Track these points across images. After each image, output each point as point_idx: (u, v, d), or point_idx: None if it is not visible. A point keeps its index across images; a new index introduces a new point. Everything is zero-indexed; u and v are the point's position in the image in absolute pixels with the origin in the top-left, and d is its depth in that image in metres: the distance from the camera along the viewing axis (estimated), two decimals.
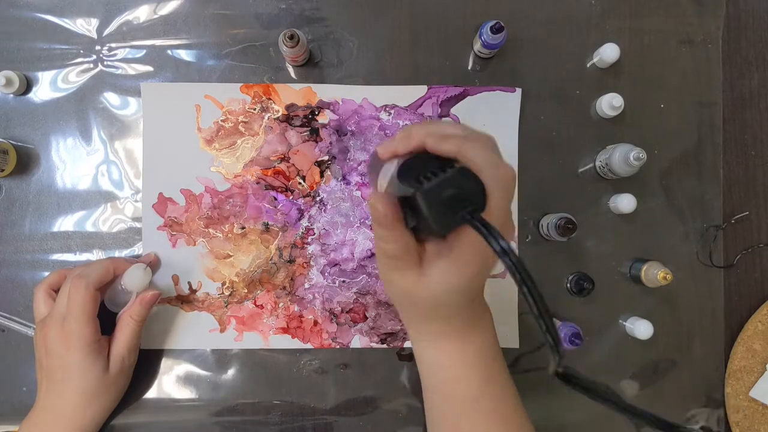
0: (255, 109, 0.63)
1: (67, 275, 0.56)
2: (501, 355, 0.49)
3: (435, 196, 0.35)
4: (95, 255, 0.63)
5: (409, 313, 0.46)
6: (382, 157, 0.42)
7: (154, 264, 0.62)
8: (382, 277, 0.44)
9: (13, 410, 0.62)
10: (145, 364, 0.62)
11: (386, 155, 0.42)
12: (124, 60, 0.63)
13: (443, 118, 0.63)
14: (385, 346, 0.64)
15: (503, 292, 0.64)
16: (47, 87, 0.63)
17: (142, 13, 0.63)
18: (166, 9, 0.63)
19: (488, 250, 0.34)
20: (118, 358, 0.56)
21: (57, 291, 0.56)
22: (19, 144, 0.62)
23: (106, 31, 0.63)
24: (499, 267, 0.64)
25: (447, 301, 0.42)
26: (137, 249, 0.63)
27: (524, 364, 0.65)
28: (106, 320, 0.56)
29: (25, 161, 0.63)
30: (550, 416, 0.65)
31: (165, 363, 0.63)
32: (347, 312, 0.64)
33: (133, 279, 0.56)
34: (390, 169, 0.40)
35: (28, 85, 0.63)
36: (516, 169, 0.64)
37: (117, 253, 0.63)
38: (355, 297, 0.64)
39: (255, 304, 0.63)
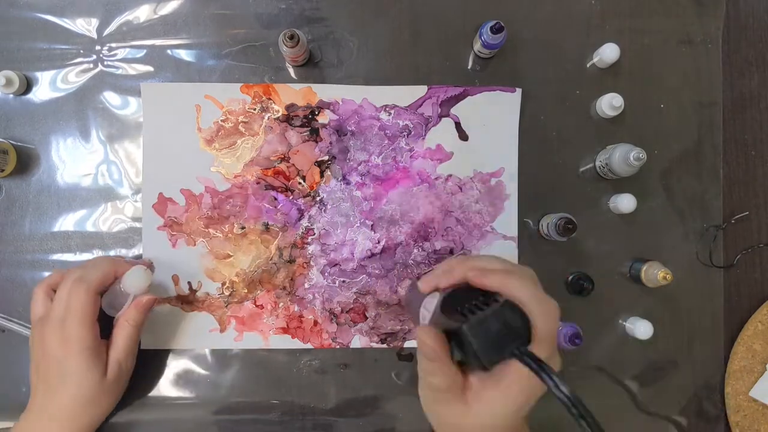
0: (255, 109, 0.63)
1: (66, 276, 0.55)
2: None
3: (482, 330, 0.36)
4: (95, 255, 0.63)
5: None
6: (423, 290, 0.44)
7: (151, 268, 0.62)
8: (426, 409, 0.44)
9: (13, 410, 0.62)
10: (146, 363, 0.62)
11: (427, 288, 0.44)
12: (124, 60, 0.63)
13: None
14: (385, 346, 0.64)
15: None
16: (47, 87, 0.63)
17: (142, 13, 0.63)
18: (166, 9, 0.63)
19: (536, 381, 0.36)
20: (116, 362, 0.56)
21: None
22: (19, 144, 0.62)
23: (106, 31, 0.63)
24: None
25: (492, 429, 0.41)
26: (137, 249, 0.63)
27: None
28: (103, 323, 0.56)
29: (25, 161, 0.63)
30: (549, 418, 0.65)
31: (165, 363, 0.63)
32: (347, 312, 0.64)
33: (133, 281, 0.55)
34: (432, 302, 0.42)
35: (28, 85, 0.63)
36: (516, 169, 0.64)
37: (117, 254, 0.63)
38: (355, 297, 0.64)
39: (255, 304, 0.63)
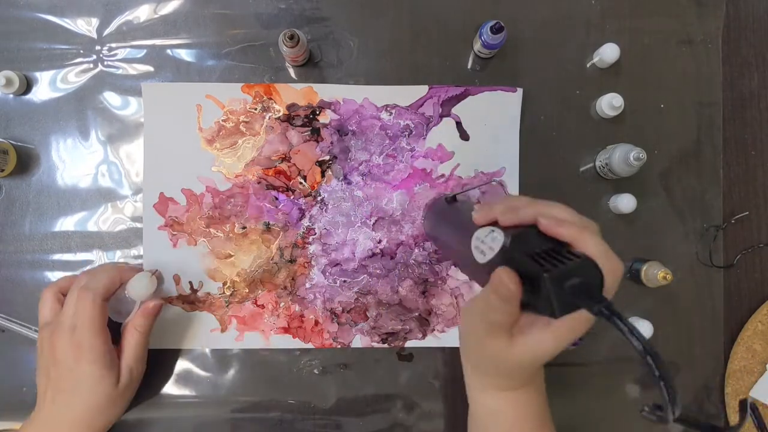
0: (256, 109, 0.63)
1: (73, 284, 0.55)
2: (547, 404, 0.51)
3: (562, 283, 0.36)
4: (95, 255, 0.63)
5: (483, 369, 0.47)
6: (478, 222, 0.44)
7: (159, 278, 0.61)
8: (469, 336, 0.46)
9: (13, 410, 0.62)
10: (147, 363, 0.62)
11: (483, 220, 0.44)
12: (124, 60, 0.63)
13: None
14: (386, 345, 0.64)
15: None
16: (47, 87, 0.63)
17: (142, 13, 0.63)
18: (166, 9, 0.63)
19: (583, 326, 0.39)
20: (127, 369, 0.56)
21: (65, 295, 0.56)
22: (19, 144, 0.62)
23: (106, 31, 0.63)
24: None
25: (530, 366, 0.43)
26: (138, 249, 0.63)
27: None
28: (114, 328, 0.56)
29: (25, 161, 0.62)
30: (557, 416, 0.65)
31: (166, 362, 0.63)
32: (348, 312, 0.64)
33: (138, 287, 0.55)
34: (493, 238, 0.42)
35: (28, 85, 0.63)
36: (518, 168, 0.64)
37: (118, 253, 0.63)
38: (356, 297, 0.64)
39: (256, 303, 0.63)
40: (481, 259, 0.42)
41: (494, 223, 0.44)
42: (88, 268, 0.62)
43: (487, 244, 0.42)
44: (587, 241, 0.38)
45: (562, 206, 0.43)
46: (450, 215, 0.51)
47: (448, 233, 0.51)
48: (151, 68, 0.63)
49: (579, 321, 0.39)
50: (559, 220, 0.40)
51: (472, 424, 0.53)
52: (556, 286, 0.36)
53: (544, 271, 0.36)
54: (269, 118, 0.63)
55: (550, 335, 0.40)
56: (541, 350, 0.41)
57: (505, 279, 0.38)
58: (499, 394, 0.48)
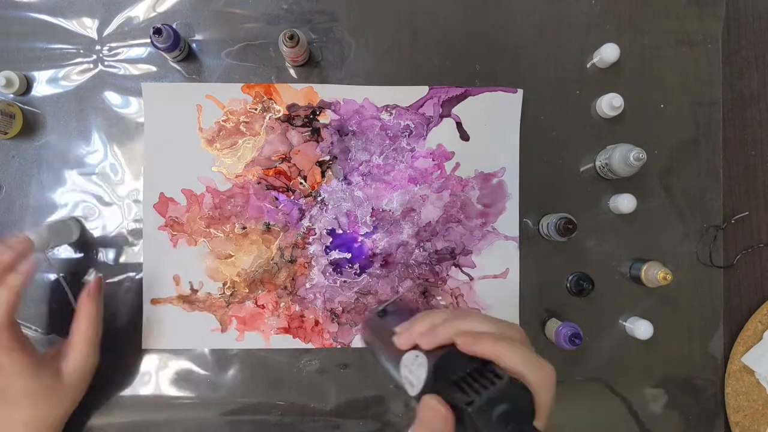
0: (256, 109, 0.63)
1: None
2: None
3: (489, 412, 0.33)
4: (95, 255, 0.63)
5: None
6: (401, 347, 0.41)
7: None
8: None
9: None
10: (146, 363, 0.62)
11: (406, 346, 0.40)
12: (125, 60, 0.63)
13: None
14: None
15: (503, 292, 0.64)
16: (47, 87, 0.63)
17: (142, 13, 0.63)
18: (166, 9, 0.63)
19: None
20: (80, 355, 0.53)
21: None
22: (26, 108, 0.63)
23: (107, 31, 0.63)
24: (500, 268, 0.64)
25: None
26: (138, 249, 0.63)
27: None
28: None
29: (25, 161, 0.62)
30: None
31: (166, 363, 0.63)
32: (348, 312, 0.64)
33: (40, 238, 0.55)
34: (417, 364, 0.39)
35: (28, 85, 0.63)
36: (518, 168, 0.64)
37: (117, 253, 0.63)
38: (356, 297, 0.64)
39: (256, 304, 0.63)
40: (412, 391, 0.39)
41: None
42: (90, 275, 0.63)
43: (414, 373, 0.39)
44: (507, 355, 0.36)
45: (477, 316, 0.40)
46: (382, 334, 0.46)
47: (383, 355, 0.46)
48: (151, 68, 0.63)
49: None
50: (476, 336, 0.37)
51: None
52: (483, 418, 0.33)
53: (466, 404, 0.33)
54: (269, 119, 0.63)
55: None
56: None
57: (437, 412, 0.35)
58: None
